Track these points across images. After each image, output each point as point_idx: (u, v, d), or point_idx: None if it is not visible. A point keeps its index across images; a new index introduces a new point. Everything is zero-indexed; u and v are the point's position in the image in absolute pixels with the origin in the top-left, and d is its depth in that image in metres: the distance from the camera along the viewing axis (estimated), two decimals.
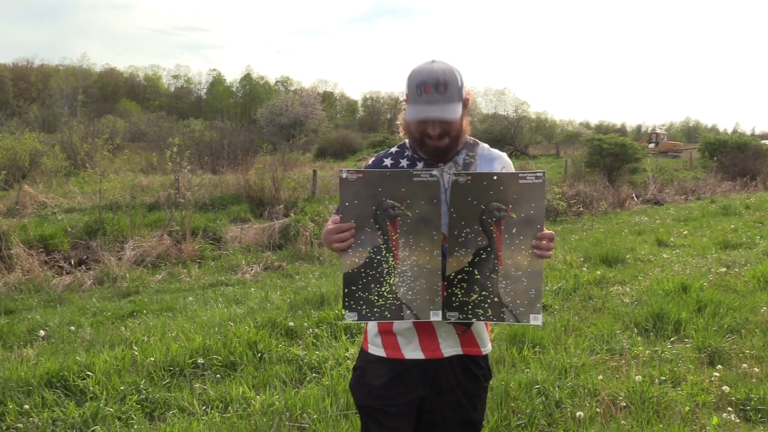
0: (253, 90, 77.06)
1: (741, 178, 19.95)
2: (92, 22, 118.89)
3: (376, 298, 1.72)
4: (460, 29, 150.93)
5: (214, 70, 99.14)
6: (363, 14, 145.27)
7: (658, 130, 44.38)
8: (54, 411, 3.29)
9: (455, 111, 1.73)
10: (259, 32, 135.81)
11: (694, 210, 13.56)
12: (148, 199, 12.14)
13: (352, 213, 1.70)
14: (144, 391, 3.53)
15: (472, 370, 1.92)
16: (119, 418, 3.26)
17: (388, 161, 1.90)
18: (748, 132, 58.19)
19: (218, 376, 3.85)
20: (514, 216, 1.70)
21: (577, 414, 3.16)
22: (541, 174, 1.70)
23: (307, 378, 3.81)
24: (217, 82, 79.38)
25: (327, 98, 61.12)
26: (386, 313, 1.72)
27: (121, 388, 3.55)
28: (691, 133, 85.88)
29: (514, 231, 1.71)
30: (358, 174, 1.70)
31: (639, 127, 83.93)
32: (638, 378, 3.55)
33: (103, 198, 10.72)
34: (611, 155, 17.99)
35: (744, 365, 3.86)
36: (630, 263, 7.36)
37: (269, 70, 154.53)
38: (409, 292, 1.72)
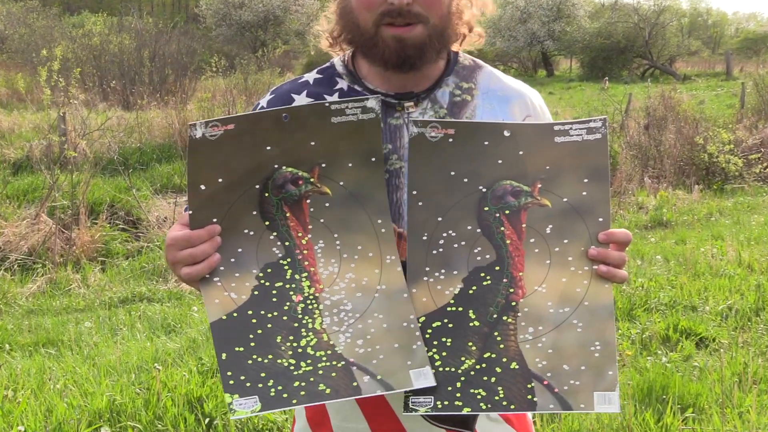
0: None
1: None
2: None
3: (293, 361, 1.55)
4: None
5: None
6: None
7: None
8: None
9: None
10: None
11: None
12: (12, 154, 12.26)
13: (213, 205, 1.57)
14: None
15: None
16: None
17: (301, 99, 1.78)
18: None
19: None
20: (549, 203, 1.59)
21: None
22: (600, 123, 1.60)
23: None
24: None
25: None
26: (321, 386, 1.54)
27: None
28: None
29: (548, 232, 1.60)
30: (225, 126, 1.55)
31: None
32: None
33: None
34: None
35: None
36: None
37: None
38: (359, 341, 1.57)
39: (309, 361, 1.55)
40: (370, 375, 1.55)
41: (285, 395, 1.53)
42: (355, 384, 1.54)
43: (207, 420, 4.16)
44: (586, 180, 1.59)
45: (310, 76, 1.83)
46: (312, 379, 1.54)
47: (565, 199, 1.59)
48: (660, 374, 4.58)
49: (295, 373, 1.54)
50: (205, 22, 45.20)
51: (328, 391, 1.54)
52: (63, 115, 11.82)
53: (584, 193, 1.58)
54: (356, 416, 1.77)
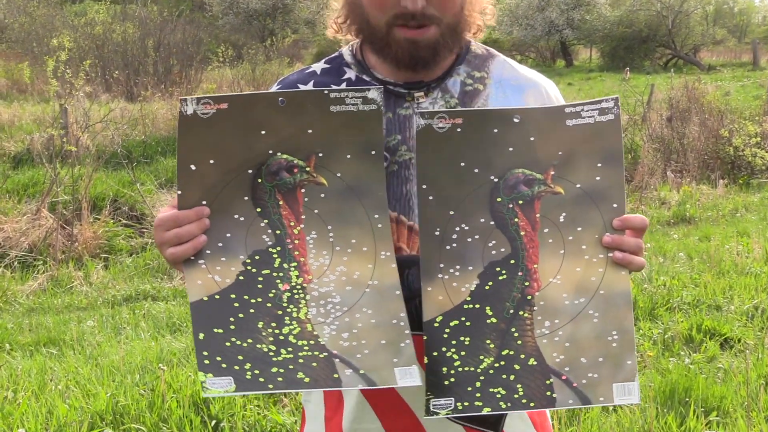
0: None
1: None
2: None
3: (273, 348, 1.56)
4: None
5: None
6: None
7: None
8: None
9: None
10: None
11: None
12: (13, 147, 12.27)
13: (203, 187, 1.58)
14: None
15: None
16: None
17: (307, 88, 1.80)
18: None
19: None
20: (562, 191, 1.59)
21: None
22: (612, 103, 1.59)
23: None
24: None
25: None
26: (300, 374, 1.55)
27: None
28: None
29: (562, 220, 1.59)
30: (218, 105, 1.56)
31: None
32: None
33: None
34: None
35: None
36: None
37: None
38: (344, 334, 1.58)
39: (290, 349, 1.56)
40: (353, 369, 1.56)
41: (261, 379, 1.55)
42: (336, 376, 1.55)
43: (213, 422, 4.16)
44: (599, 164, 1.59)
45: (318, 66, 1.85)
46: (291, 366, 1.56)
47: (578, 186, 1.59)
48: (683, 376, 4.56)
49: (275, 359, 1.56)
50: (211, 10, 45.12)
51: (307, 380, 1.55)
52: (65, 108, 11.82)
53: (598, 178, 1.59)
54: (368, 416, 1.78)
